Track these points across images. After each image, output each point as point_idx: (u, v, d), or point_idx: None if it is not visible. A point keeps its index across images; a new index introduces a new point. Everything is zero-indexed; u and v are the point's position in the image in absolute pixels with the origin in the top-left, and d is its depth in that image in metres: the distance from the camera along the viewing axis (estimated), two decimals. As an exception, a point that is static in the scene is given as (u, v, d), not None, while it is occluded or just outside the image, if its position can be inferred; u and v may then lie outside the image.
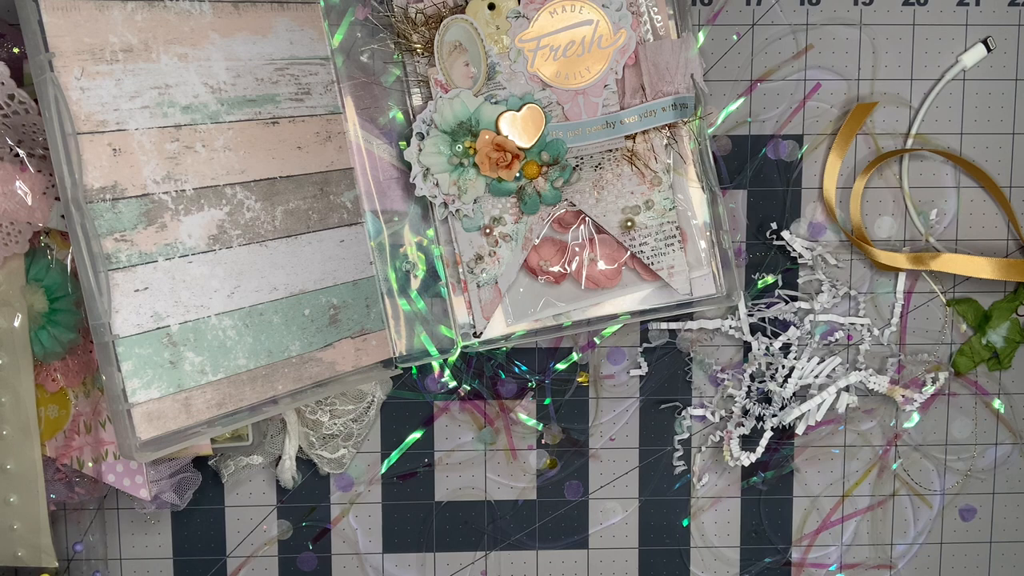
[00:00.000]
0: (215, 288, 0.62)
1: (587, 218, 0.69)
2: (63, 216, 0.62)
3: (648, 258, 0.68)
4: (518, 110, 0.66)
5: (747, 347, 0.75)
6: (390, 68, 0.69)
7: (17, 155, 0.63)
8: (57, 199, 0.64)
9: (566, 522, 0.77)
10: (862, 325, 0.75)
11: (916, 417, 0.76)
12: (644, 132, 0.67)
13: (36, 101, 0.60)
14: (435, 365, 0.75)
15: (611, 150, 0.68)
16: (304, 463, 0.75)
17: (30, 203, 0.63)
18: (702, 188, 0.69)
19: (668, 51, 0.66)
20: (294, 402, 0.66)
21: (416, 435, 0.75)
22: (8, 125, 0.62)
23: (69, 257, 0.66)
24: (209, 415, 0.61)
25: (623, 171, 0.68)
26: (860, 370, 0.74)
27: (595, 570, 0.77)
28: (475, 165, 0.67)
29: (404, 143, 0.69)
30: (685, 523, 0.77)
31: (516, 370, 0.75)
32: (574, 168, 0.68)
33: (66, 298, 0.66)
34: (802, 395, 0.75)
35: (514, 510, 0.77)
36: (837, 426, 0.76)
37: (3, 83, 0.60)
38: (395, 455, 0.75)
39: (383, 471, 0.76)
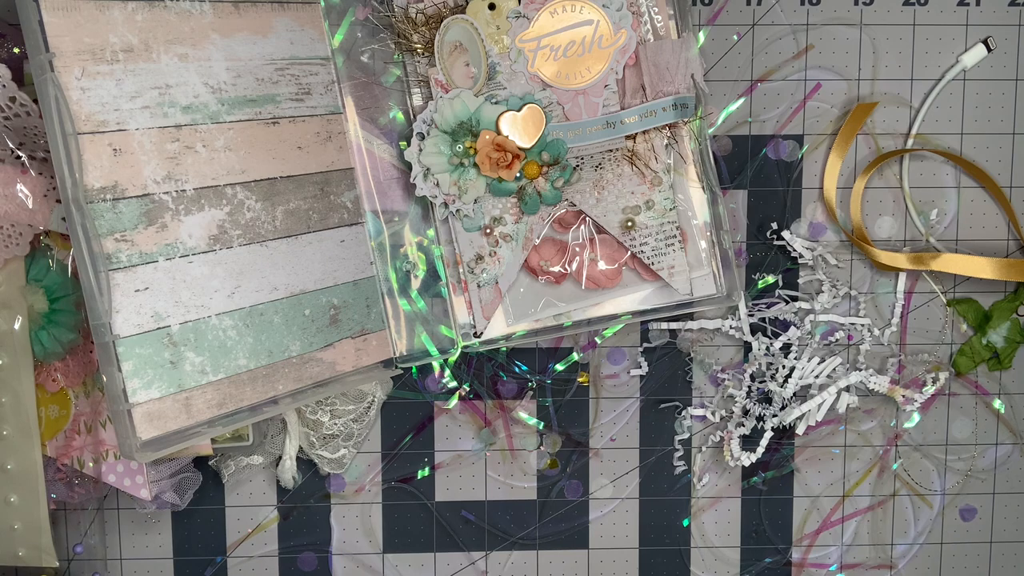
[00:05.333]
0: (215, 288, 0.62)
1: (587, 218, 0.69)
2: (63, 219, 0.62)
3: (648, 258, 0.68)
4: (518, 110, 0.66)
5: (747, 347, 0.75)
6: (390, 68, 0.69)
7: (18, 157, 0.63)
8: (58, 201, 0.63)
9: (566, 522, 0.77)
10: (862, 325, 0.75)
11: (916, 417, 0.76)
12: (644, 132, 0.67)
13: (37, 103, 0.60)
14: (435, 365, 0.75)
15: (611, 150, 0.68)
16: (304, 463, 0.75)
17: (31, 205, 0.63)
18: (702, 188, 0.69)
19: (668, 51, 0.66)
20: (294, 402, 0.66)
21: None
22: (9, 127, 0.62)
23: (69, 257, 0.66)
24: (209, 415, 0.61)
25: (623, 171, 0.68)
26: (860, 370, 0.74)
27: (595, 570, 0.77)
28: (475, 165, 0.67)
29: (404, 143, 0.69)
30: (685, 523, 0.77)
31: (516, 370, 0.75)
32: (574, 168, 0.68)
33: (66, 298, 0.66)
34: (802, 395, 0.75)
35: (514, 510, 0.77)
36: (837, 426, 0.76)
37: (4, 85, 0.60)
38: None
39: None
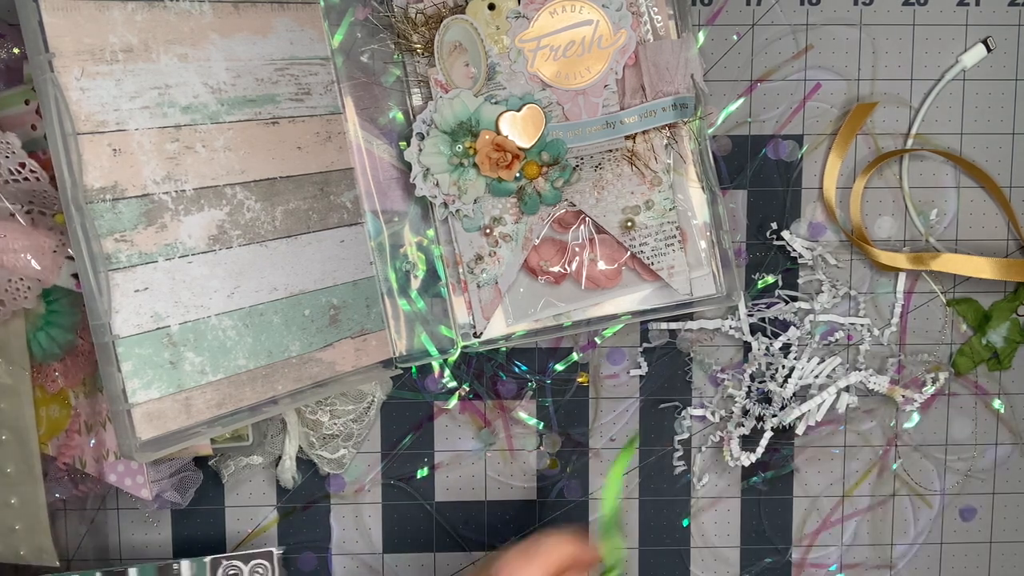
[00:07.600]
0: (215, 288, 0.62)
1: (587, 218, 0.69)
2: (74, 275, 0.62)
3: (648, 258, 0.68)
4: (518, 110, 0.66)
5: (747, 347, 0.75)
6: (390, 68, 0.69)
7: (28, 212, 0.63)
8: (68, 258, 0.63)
9: (566, 522, 0.77)
10: (862, 325, 0.75)
11: (916, 417, 0.76)
12: (644, 132, 0.67)
13: (46, 168, 0.60)
14: (435, 365, 0.75)
15: (611, 150, 0.68)
16: (304, 463, 0.75)
17: (36, 265, 0.62)
18: (702, 188, 0.69)
19: (668, 51, 0.66)
20: (294, 402, 0.66)
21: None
22: (18, 190, 0.62)
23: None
24: (209, 415, 0.61)
25: (623, 171, 0.68)
26: (860, 370, 0.74)
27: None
28: (475, 165, 0.67)
29: (404, 143, 0.69)
30: (685, 523, 0.77)
31: (516, 370, 0.75)
32: (574, 168, 0.68)
33: (63, 299, 0.66)
34: (802, 395, 0.75)
35: (514, 510, 0.77)
36: (837, 426, 0.76)
37: (14, 152, 0.60)
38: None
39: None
